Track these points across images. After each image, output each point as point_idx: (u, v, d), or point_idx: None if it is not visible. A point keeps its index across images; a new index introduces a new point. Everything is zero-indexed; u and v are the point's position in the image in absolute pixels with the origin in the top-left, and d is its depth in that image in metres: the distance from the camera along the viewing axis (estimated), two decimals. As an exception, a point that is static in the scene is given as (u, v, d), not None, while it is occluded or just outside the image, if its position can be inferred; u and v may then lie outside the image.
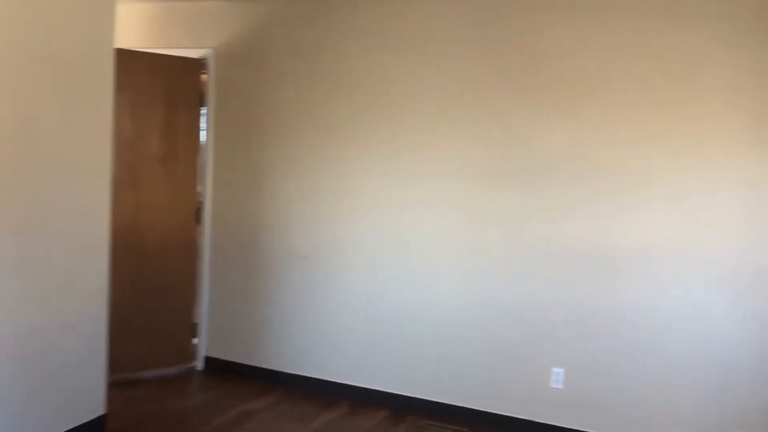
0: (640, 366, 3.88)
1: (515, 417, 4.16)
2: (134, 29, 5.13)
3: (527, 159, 4.06)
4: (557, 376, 4.05)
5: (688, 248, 3.75)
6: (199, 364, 5.07)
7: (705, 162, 3.70)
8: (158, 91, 4.74)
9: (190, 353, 5.05)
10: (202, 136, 4.96)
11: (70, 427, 3.61)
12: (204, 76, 4.94)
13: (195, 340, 5.08)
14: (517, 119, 4.07)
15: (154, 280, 4.82)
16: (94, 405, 3.76)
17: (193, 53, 4.90)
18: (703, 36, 3.67)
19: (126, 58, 4.43)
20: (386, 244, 4.44)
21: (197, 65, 4.89)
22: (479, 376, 4.24)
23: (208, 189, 4.99)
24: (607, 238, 3.90)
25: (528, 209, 4.07)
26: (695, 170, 3.72)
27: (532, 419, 4.12)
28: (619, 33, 3.84)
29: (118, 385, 4.58)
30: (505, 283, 4.14)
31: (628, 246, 3.86)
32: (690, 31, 3.70)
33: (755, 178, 3.62)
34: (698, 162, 3.72)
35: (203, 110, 4.95)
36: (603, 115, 3.88)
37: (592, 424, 4.00)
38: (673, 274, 3.78)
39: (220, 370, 4.98)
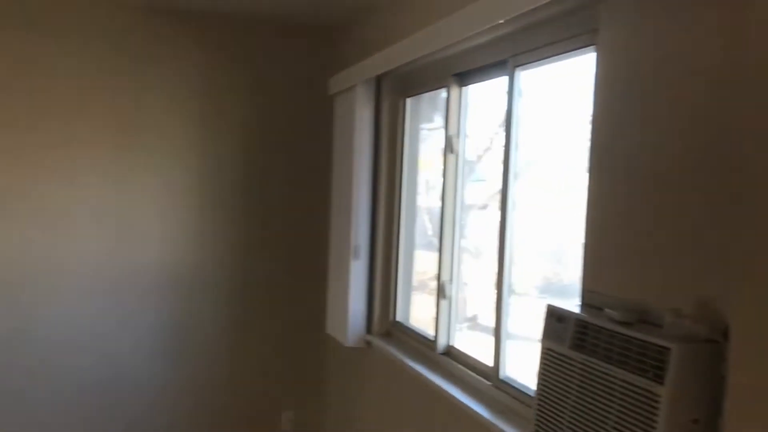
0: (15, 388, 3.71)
1: None
2: None
3: None
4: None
5: (67, 262, 3.72)
6: None
7: (78, 177, 3.70)
8: None
9: None
10: None
11: None
12: None
13: None
14: None
15: None
16: None
17: None
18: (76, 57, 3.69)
19: None
20: None
21: None
22: None
23: None
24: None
25: None
26: (69, 186, 3.69)
27: None
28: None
29: None
30: None
31: (7, 266, 3.66)
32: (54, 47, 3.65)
33: (123, 187, 3.77)
34: (71, 177, 3.69)
35: None
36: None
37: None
38: (53, 288, 3.73)
39: None
